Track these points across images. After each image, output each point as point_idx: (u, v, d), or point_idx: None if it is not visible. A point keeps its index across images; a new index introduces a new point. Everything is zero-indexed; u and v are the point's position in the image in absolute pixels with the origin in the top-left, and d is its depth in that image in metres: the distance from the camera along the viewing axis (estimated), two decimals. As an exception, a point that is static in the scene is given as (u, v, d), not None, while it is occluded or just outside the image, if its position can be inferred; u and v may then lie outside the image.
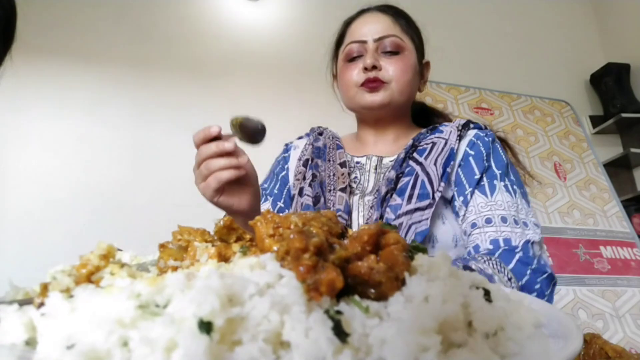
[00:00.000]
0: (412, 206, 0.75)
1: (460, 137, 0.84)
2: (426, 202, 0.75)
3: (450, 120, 0.97)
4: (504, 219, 0.74)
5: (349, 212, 0.80)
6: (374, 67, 0.84)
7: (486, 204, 0.76)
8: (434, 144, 0.84)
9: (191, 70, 2.31)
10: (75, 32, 2.18)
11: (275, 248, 0.27)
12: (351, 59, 0.88)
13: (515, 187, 0.80)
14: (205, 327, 0.20)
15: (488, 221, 0.75)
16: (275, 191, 0.91)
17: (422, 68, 0.94)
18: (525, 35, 2.90)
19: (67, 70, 2.13)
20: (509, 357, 0.22)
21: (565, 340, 0.24)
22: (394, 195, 0.77)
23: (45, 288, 0.29)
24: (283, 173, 0.95)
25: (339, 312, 0.21)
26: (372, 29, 0.87)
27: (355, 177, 0.88)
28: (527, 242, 0.72)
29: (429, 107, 1.05)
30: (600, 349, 0.54)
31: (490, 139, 0.85)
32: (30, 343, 0.22)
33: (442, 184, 0.78)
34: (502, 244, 0.71)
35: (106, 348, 0.19)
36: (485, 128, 0.89)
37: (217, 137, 0.61)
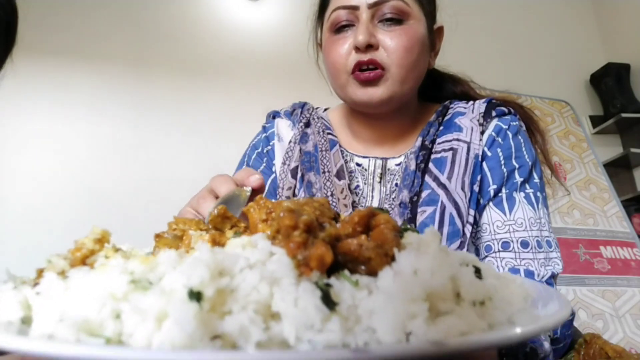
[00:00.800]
0: None
1: (482, 133, 0.69)
2: (457, 243, 0.61)
3: (467, 92, 0.80)
4: (524, 244, 0.62)
5: None
6: (369, 46, 0.64)
7: (503, 224, 0.64)
8: (454, 151, 0.67)
9: (191, 70, 2.32)
10: (75, 32, 2.19)
11: (268, 233, 0.27)
12: (338, 29, 0.68)
13: (538, 193, 0.66)
14: (195, 296, 0.20)
15: (505, 246, 0.63)
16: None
17: (432, 37, 0.73)
18: (525, 35, 2.90)
19: (67, 69, 2.14)
20: (497, 326, 0.23)
21: (555, 311, 0.24)
22: None
23: (40, 272, 0.29)
24: (271, 177, 0.77)
25: (328, 285, 0.22)
26: None
27: (357, 187, 0.72)
28: (552, 276, 0.62)
29: (443, 73, 0.83)
30: (600, 349, 0.54)
31: (512, 131, 0.69)
32: (26, 321, 0.23)
33: (472, 211, 0.64)
34: (523, 275, 0.60)
35: (99, 320, 0.20)
36: (509, 112, 0.72)
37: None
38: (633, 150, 2.60)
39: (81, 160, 2.07)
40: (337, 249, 0.24)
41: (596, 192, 2.38)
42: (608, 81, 2.77)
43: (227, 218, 0.33)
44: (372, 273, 0.24)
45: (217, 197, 0.46)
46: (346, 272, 0.23)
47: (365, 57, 0.64)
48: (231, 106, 2.32)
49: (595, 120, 2.84)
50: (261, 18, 2.51)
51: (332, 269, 0.23)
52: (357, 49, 0.65)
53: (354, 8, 0.66)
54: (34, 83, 2.06)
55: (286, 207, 0.25)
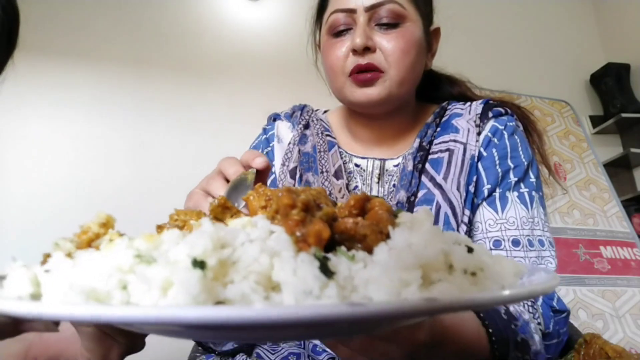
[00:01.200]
0: None
1: (479, 134, 0.70)
2: None
3: (465, 93, 0.81)
4: (515, 242, 0.63)
5: None
6: (366, 49, 0.65)
7: (495, 222, 0.64)
8: (450, 152, 0.68)
9: (191, 70, 2.33)
10: (75, 32, 2.20)
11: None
12: (337, 33, 0.69)
13: (533, 193, 0.67)
14: (199, 264, 0.21)
15: (497, 244, 0.64)
16: None
17: (429, 38, 0.74)
18: (525, 35, 2.91)
19: (67, 69, 2.15)
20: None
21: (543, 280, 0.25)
22: None
23: (47, 257, 0.30)
24: (271, 178, 0.78)
25: (326, 257, 0.23)
26: None
27: (356, 188, 0.72)
28: None
29: (440, 74, 0.84)
30: (600, 349, 0.54)
31: (509, 132, 0.70)
32: (35, 297, 0.23)
33: (467, 211, 0.64)
34: None
35: (106, 290, 0.20)
36: (506, 113, 0.72)
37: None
38: (633, 150, 2.60)
39: (81, 160, 2.07)
40: (334, 228, 0.25)
41: (596, 192, 2.38)
42: (608, 81, 2.77)
43: (228, 208, 0.34)
44: (368, 250, 0.24)
45: (225, 179, 0.47)
46: (343, 248, 0.24)
47: (363, 60, 0.65)
48: (231, 106, 2.32)
49: (595, 120, 2.84)
50: (261, 18, 2.52)
51: (330, 248, 0.24)
52: (355, 51, 0.66)
53: (352, 11, 0.67)
54: (34, 83, 2.07)
55: (285, 188, 0.26)
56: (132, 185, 2.05)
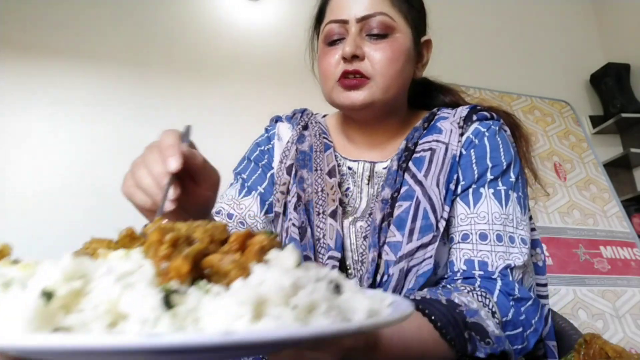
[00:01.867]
0: (413, 245, 0.63)
1: (462, 135, 0.72)
2: (429, 237, 0.64)
3: (457, 102, 0.84)
4: (483, 236, 0.64)
5: (342, 247, 0.68)
6: (355, 57, 0.70)
7: (466, 217, 0.66)
8: (432, 151, 0.71)
9: (191, 69, 2.32)
10: (75, 32, 2.19)
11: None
12: (331, 42, 0.73)
13: (510, 192, 0.68)
14: (47, 294, 0.23)
15: (465, 237, 0.65)
16: (262, 190, 0.79)
17: (419, 48, 0.78)
18: (525, 35, 2.91)
19: (66, 69, 2.14)
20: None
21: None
22: (392, 228, 0.65)
23: None
24: (271, 172, 0.81)
25: (172, 291, 0.25)
26: (355, 3, 0.71)
27: (348, 189, 0.75)
28: (507, 267, 0.62)
29: (433, 83, 0.87)
30: (600, 349, 0.54)
31: (490, 134, 0.72)
32: None
33: (447, 207, 0.66)
34: (477, 266, 0.63)
35: None
36: (492, 117, 0.75)
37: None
38: (633, 150, 2.60)
39: (80, 160, 2.07)
40: (203, 264, 0.28)
41: (596, 192, 2.39)
42: (608, 81, 2.77)
43: (135, 238, 0.36)
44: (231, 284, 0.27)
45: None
46: (203, 282, 0.27)
47: (351, 66, 0.70)
48: (231, 105, 2.32)
49: (595, 120, 2.84)
50: (261, 18, 2.51)
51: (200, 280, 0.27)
52: (345, 59, 0.70)
53: (344, 22, 0.72)
54: (33, 82, 2.07)
55: (158, 226, 0.29)
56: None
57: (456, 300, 0.54)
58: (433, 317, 0.50)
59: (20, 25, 2.11)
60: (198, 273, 0.27)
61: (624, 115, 2.63)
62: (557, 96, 2.69)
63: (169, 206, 0.46)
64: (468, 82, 2.60)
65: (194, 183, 0.52)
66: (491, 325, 0.53)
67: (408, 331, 0.48)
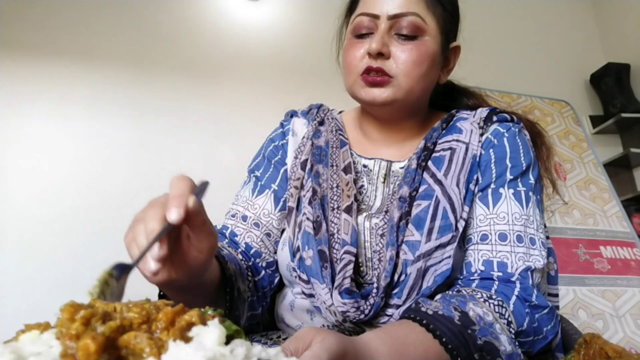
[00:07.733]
0: (432, 244, 0.61)
1: (482, 135, 0.71)
2: (448, 236, 0.62)
3: (480, 105, 0.82)
4: (502, 236, 0.63)
5: (357, 242, 0.66)
6: (380, 54, 0.68)
7: (485, 217, 0.65)
8: (452, 150, 0.69)
9: (191, 69, 2.32)
10: (75, 32, 2.19)
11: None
12: (359, 35, 0.72)
13: (530, 193, 0.66)
14: None
15: (484, 238, 0.64)
16: (276, 187, 0.78)
17: (447, 54, 0.77)
18: (525, 35, 2.91)
19: (67, 69, 2.14)
20: None
21: None
22: (410, 227, 0.64)
23: None
24: (284, 167, 0.80)
25: None
26: (390, 0, 0.70)
27: (362, 187, 0.74)
28: (527, 269, 0.60)
29: (457, 86, 0.86)
30: (600, 349, 0.53)
31: (510, 135, 0.71)
32: None
33: (466, 208, 0.64)
34: (495, 267, 0.61)
35: None
36: (512, 120, 0.74)
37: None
38: (633, 150, 2.60)
39: (80, 161, 2.07)
40: (120, 342, 0.27)
41: (596, 192, 2.39)
42: (608, 81, 2.77)
43: (73, 320, 0.36)
44: None
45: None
46: None
47: (375, 63, 0.69)
48: (231, 105, 2.32)
49: (595, 120, 2.84)
50: (261, 18, 2.51)
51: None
52: (370, 54, 0.69)
53: (375, 17, 0.70)
54: (34, 83, 2.07)
55: (70, 303, 0.28)
56: (131, 185, 2.04)
57: (471, 314, 0.53)
58: (444, 340, 0.49)
59: (21, 26, 2.11)
60: (115, 354, 0.26)
61: (624, 115, 2.63)
62: (557, 96, 2.69)
63: (153, 266, 0.44)
64: (468, 82, 2.60)
65: (188, 242, 0.48)
66: (504, 343, 0.52)
67: (414, 352, 0.47)
